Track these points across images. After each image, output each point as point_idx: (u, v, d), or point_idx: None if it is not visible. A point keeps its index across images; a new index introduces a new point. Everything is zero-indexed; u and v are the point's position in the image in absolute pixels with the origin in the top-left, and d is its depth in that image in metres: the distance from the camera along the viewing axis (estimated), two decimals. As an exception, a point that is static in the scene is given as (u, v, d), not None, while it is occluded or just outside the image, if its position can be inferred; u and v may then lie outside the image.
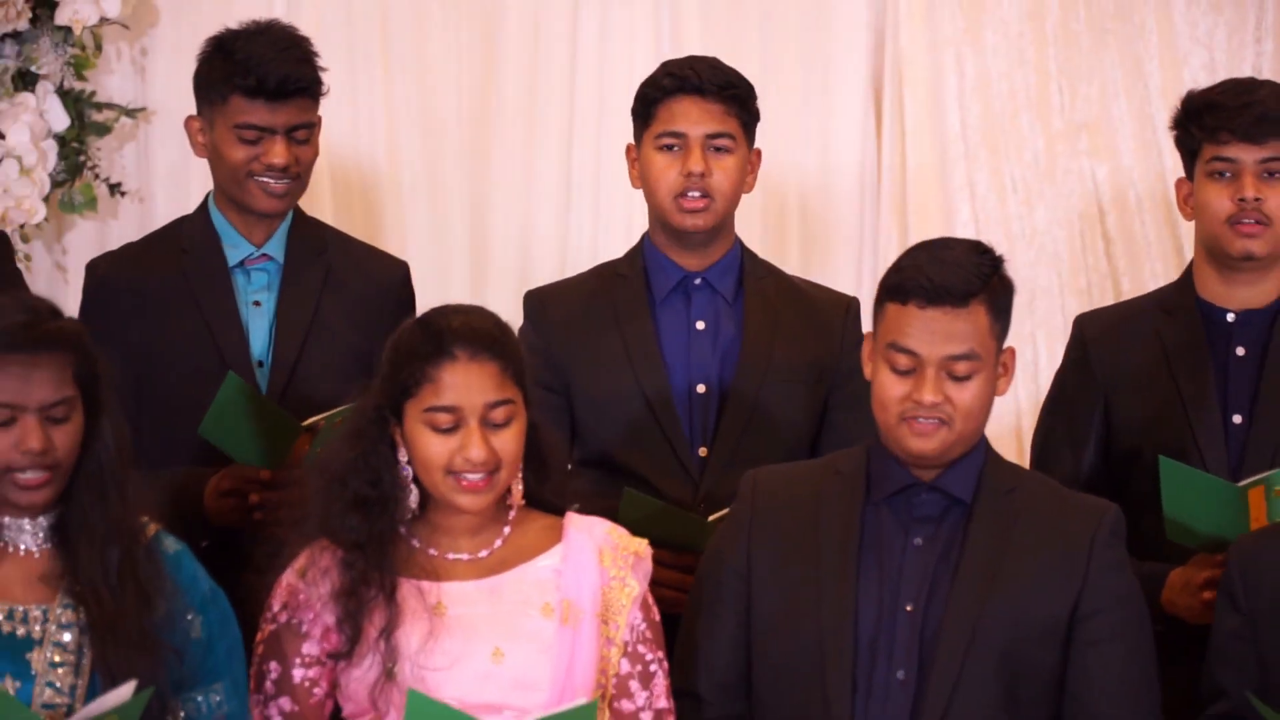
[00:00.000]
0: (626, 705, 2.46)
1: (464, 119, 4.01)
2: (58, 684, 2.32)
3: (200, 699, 2.39)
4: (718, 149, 2.94)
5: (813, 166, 3.84)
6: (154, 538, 2.43)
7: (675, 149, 2.94)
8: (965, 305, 2.46)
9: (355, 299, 3.08)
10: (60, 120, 3.61)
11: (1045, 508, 2.61)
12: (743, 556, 2.61)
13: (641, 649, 2.49)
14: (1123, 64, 3.96)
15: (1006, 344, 2.56)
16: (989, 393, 2.55)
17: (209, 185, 3.16)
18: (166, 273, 3.04)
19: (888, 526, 2.58)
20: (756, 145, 3.03)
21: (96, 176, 3.69)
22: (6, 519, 2.36)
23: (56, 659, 2.34)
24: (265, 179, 2.95)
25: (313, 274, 3.08)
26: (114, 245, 3.44)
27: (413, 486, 2.45)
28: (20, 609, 2.35)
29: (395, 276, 3.16)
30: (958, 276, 2.48)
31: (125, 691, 2.19)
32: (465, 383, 2.39)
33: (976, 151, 3.91)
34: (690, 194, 2.93)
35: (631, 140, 3.06)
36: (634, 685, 2.48)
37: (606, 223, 3.67)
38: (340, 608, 2.46)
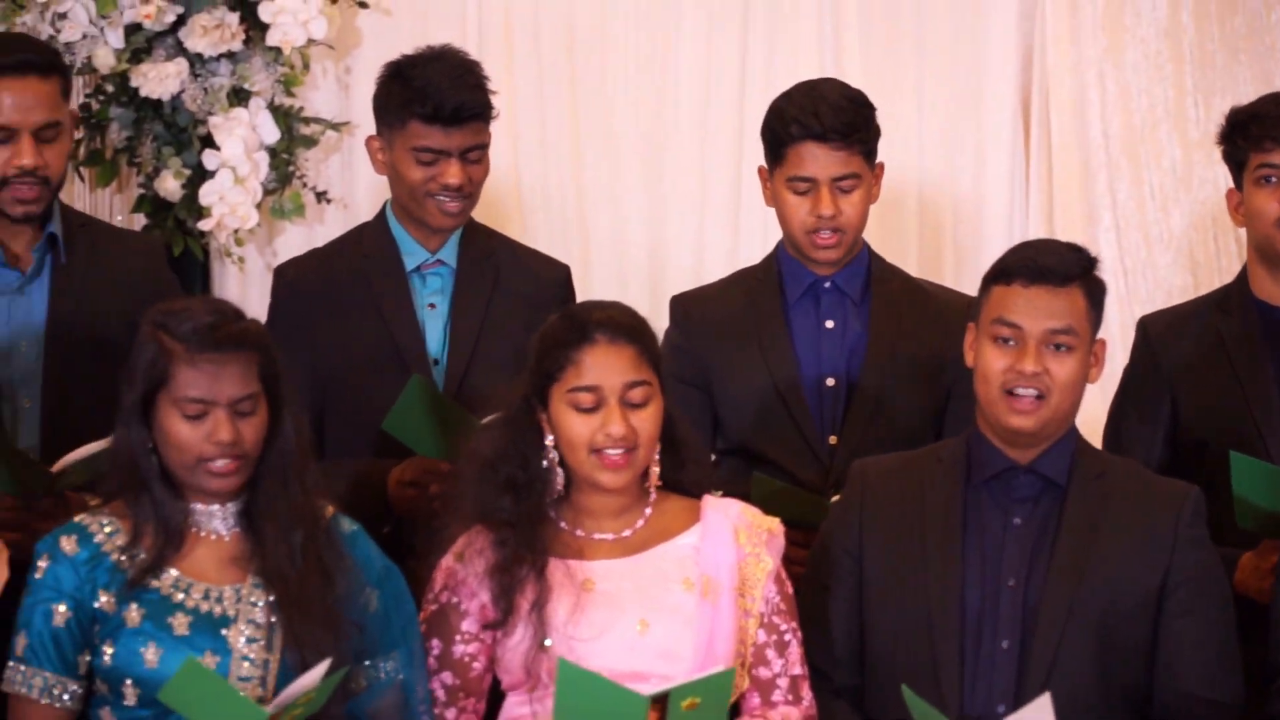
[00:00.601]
0: (764, 672, 2.58)
1: (640, 136, 4.19)
2: (252, 658, 2.46)
3: (379, 667, 2.54)
4: (844, 190, 3.07)
5: (966, 179, 3.99)
6: (332, 519, 2.57)
7: (806, 191, 3.07)
8: (1065, 286, 2.60)
9: (522, 300, 3.20)
10: (271, 134, 3.77)
11: (1133, 490, 2.73)
12: (854, 539, 2.75)
13: (776, 620, 2.61)
14: (1254, 80, 4.08)
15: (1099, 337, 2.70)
16: (1083, 374, 2.66)
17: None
18: (349, 277, 3.20)
19: (988, 508, 2.69)
20: (879, 160, 3.16)
21: (304, 185, 3.87)
22: (198, 506, 2.50)
23: (250, 635, 2.48)
24: (441, 198, 3.09)
25: (483, 278, 3.22)
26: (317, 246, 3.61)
27: (559, 470, 2.60)
28: (215, 589, 2.50)
29: (557, 278, 3.29)
30: (1060, 261, 2.64)
31: (318, 673, 2.34)
32: (605, 364, 2.53)
33: (1118, 161, 4.04)
34: (822, 233, 3.09)
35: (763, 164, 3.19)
36: (770, 654, 2.61)
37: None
38: (495, 584, 2.60)
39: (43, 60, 3.10)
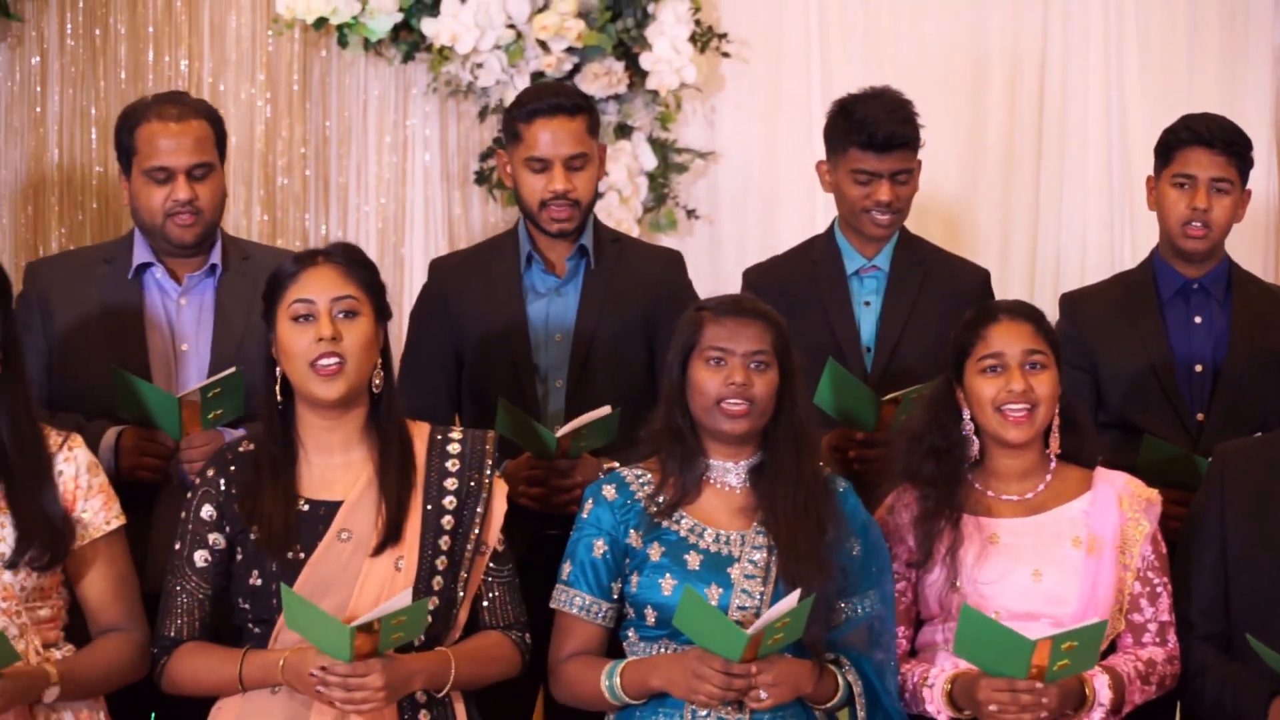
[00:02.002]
0: (1137, 618, 2.81)
1: (1019, 158, 4.59)
2: (750, 590, 2.69)
3: (857, 603, 2.77)
4: (1219, 190, 3.37)
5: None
6: (829, 478, 2.84)
7: (1185, 187, 3.39)
8: None
9: (946, 299, 3.49)
10: (649, 161, 4.27)
11: None
12: (1215, 513, 2.94)
13: (1150, 574, 2.83)
14: None
15: None
16: None
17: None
18: (801, 279, 3.56)
19: None
20: (1247, 186, 3.47)
21: (676, 204, 4.35)
22: (715, 462, 2.76)
23: (749, 573, 2.71)
24: (874, 213, 3.47)
25: (912, 280, 3.54)
26: (690, 255, 3.92)
27: (974, 439, 2.87)
28: (724, 533, 2.74)
29: (979, 280, 3.63)
30: None
31: (792, 600, 2.56)
32: (1007, 335, 2.82)
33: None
34: (1194, 224, 3.39)
35: (1151, 173, 3.51)
36: (1143, 603, 2.83)
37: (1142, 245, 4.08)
38: (918, 531, 2.87)
39: (570, 103, 3.46)
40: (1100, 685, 2.73)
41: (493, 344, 3.52)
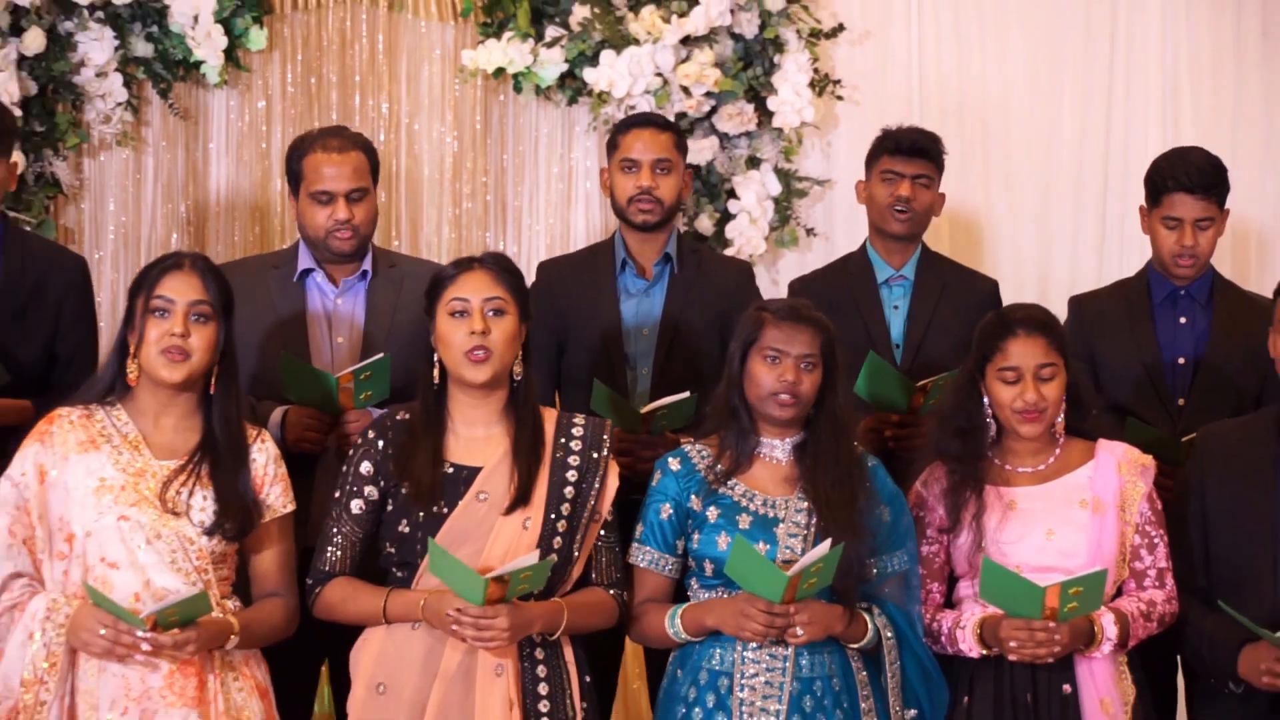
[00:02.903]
0: (1138, 565, 3.03)
1: (1032, 188, 4.89)
2: (792, 547, 2.88)
3: (887, 561, 2.99)
4: (1202, 227, 3.58)
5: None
6: (861, 456, 3.05)
7: (1173, 227, 3.58)
8: None
9: (963, 304, 3.78)
10: (775, 188, 4.57)
11: None
12: (1198, 486, 3.15)
13: (1148, 528, 3.04)
14: None
15: None
16: None
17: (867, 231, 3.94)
18: (841, 287, 3.84)
19: None
20: (1226, 206, 3.61)
21: (798, 224, 4.64)
22: (765, 439, 2.97)
23: (791, 532, 2.90)
24: (896, 208, 3.78)
25: (934, 287, 3.83)
26: (808, 266, 4.40)
27: (991, 422, 3.08)
28: (771, 499, 2.94)
29: (990, 289, 3.88)
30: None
31: (825, 547, 2.77)
32: (1023, 350, 3.01)
33: None
34: (1182, 258, 3.59)
35: (1144, 203, 3.65)
36: (1143, 552, 3.04)
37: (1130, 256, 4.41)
38: (947, 501, 3.09)
39: (661, 120, 3.82)
40: (1107, 623, 2.91)
41: (590, 335, 3.73)
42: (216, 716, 2.88)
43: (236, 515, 2.89)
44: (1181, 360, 3.67)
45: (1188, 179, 3.59)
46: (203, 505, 2.86)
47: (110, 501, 2.84)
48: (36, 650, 2.85)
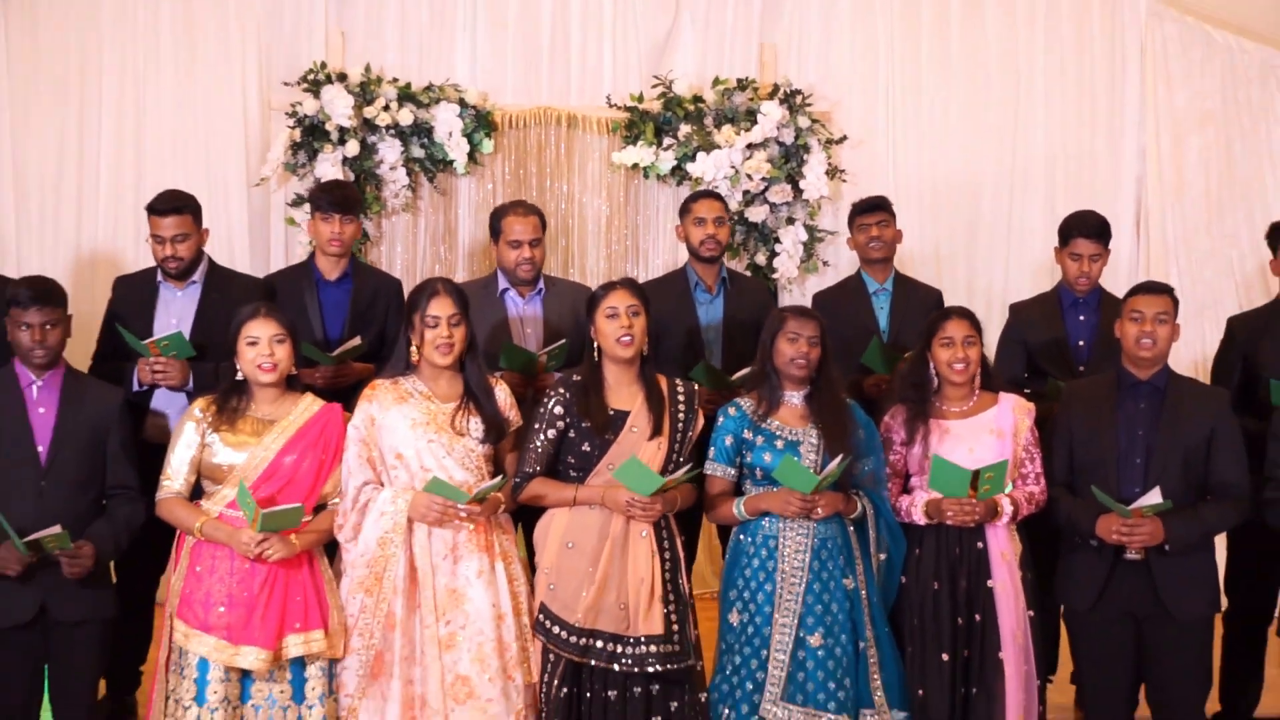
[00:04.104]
0: (1023, 470, 3.67)
1: (1002, 229, 5.98)
2: (814, 458, 3.50)
3: (864, 464, 3.59)
4: (1094, 259, 4.15)
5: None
6: (847, 401, 3.53)
7: (1075, 260, 4.15)
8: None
9: (921, 305, 4.41)
10: (803, 236, 5.74)
11: (1194, 391, 3.66)
12: (1066, 418, 3.69)
13: (1030, 448, 3.67)
14: None
15: None
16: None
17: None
18: (848, 296, 4.55)
19: (1127, 400, 3.61)
20: (1110, 247, 4.16)
21: (818, 259, 5.78)
22: (786, 392, 3.52)
23: (810, 450, 3.54)
24: (870, 244, 4.48)
25: (904, 296, 4.50)
26: (825, 283, 5.28)
27: (935, 378, 3.64)
28: (794, 429, 3.57)
29: (936, 295, 4.52)
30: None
31: (837, 462, 3.32)
32: (955, 327, 3.60)
33: None
34: (1081, 279, 4.16)
35: (1056, 245, 4.23)
36: (1027, 463, 3.68)
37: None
38: (906, 428, 3.69)
39: (718, 193, 4.50)
40: (1005, 504, 3.58)
41: (674, 333, 4.38)
42: (494, 557, 3.57)
43: (494, 429, 3.58)
44: (1081, 343, 4.38)
45: (1086, 229, 4.30)
46: (476, 427, 3.55)
47: (421, 432, 3.51)
48: (385, 522, 3.49)
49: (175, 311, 4.20)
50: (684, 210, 4.52)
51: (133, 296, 4.22)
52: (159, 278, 4.24)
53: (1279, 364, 4.11)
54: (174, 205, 4.13)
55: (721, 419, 3.65)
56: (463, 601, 3.50)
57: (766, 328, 3.68)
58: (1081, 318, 4.38)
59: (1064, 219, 4.41)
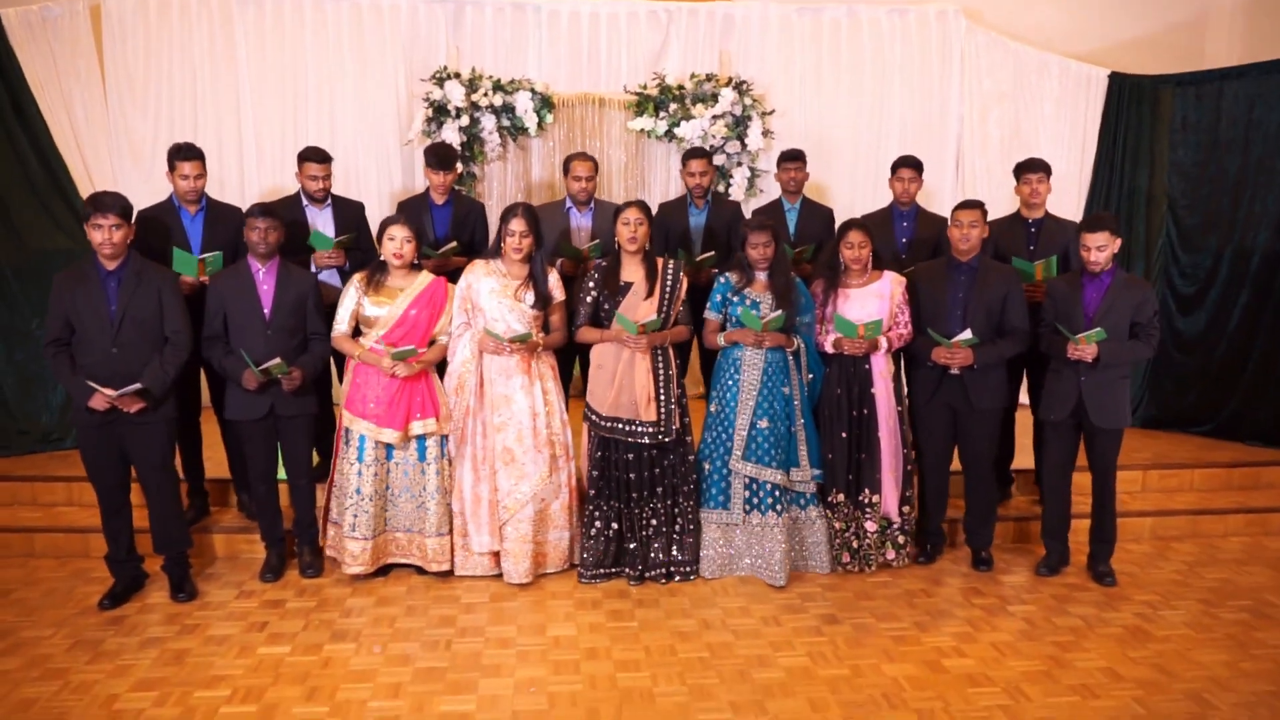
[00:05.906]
0: (898, 320, 5.25)
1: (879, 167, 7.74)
2: (766, 313, 4.73)
3: (799, 316, 4.95)
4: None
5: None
6: (792, 277, 4.90)
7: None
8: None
9: (819, 218, 6.09)
10: (747, 174, 7.87)
11: (999, 269, 5.16)
12: (915, 289, 5.18)
13: (903, 305, 5.29)
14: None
15: None
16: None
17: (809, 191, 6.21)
18: (775, 213, 6.11)
19: (958, 275, 5.06)
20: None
21: (758, 189, 7.87)
22: (757, 272, 4.86)
23: (770, 306, 4.77)
24: (787, 184, 6.02)
25: (807, 212, 6.06)
26: (759, 206, 6.98)
27: (842, 264, 5.07)
28: (760, 294, 4.90)
29: (829, 211, 5.94)
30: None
31: (779, 312, 4.66)
32: (857, 237, 5.01)
33: None
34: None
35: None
36: (900, 316, 5.30)
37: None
38: (823, 294, 5.20)
39: (706, 151, 5.61)
40: (883, 341, 5.02)
41: (675, 231, 5.87)
42: (533, 378, 4.85)
43: (541, 300, 4.94)
44: (904, 240, 5.97)
45: (906, 161, 5.77)
46: (530, 298, 4.92)
47: (497, 298, 4.83)
48: (465, 351, 4.77)
49: (322, 222, 5.74)
50: (684, 163, 6.21)
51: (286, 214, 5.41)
52: (304, 202, 5.74)
53: (1011, 251, 5.77)
54: (320, 155, 5.65)
55: (717, 284, 5.18)
56: (510, 403, 4.93)
57: (737, 233, 5.18)
58: (905, 223, 6.00)
59: (895, 158, 6.08)
